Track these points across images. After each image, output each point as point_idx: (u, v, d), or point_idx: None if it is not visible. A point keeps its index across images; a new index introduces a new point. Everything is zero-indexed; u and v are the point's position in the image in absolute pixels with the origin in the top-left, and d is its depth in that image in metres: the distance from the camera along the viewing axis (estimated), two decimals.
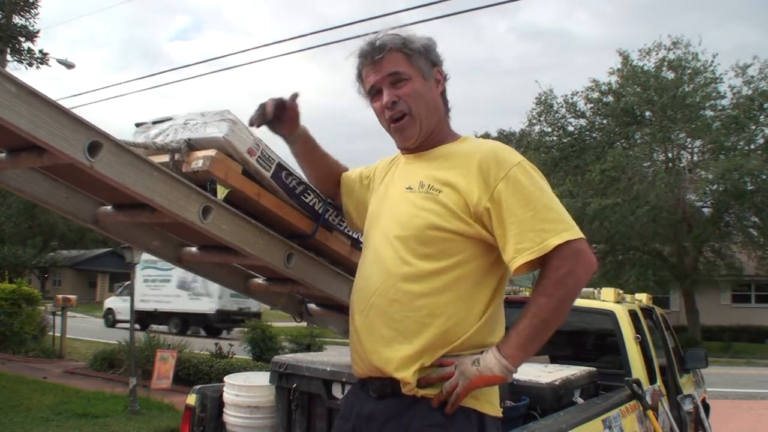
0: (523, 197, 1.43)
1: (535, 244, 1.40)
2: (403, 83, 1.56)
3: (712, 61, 19.48)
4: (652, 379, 3.31)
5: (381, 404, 1.50)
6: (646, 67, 20.12)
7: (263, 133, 1.88)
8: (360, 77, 1.65)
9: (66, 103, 1.46)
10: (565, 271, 1.40)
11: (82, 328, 17.69)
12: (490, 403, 1.49)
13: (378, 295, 1.52)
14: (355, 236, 2.23)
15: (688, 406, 3.68)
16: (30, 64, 14.41)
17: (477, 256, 1.48)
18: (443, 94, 1.66)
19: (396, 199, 1.60)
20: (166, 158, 1.79)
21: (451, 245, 1.46)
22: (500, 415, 1.52)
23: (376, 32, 1.61)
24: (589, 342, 3.96)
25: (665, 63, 19.88)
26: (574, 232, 1.43)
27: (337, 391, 2.34)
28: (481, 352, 1.44)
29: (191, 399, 2.75)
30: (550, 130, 21.94)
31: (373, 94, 1.63)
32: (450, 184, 1.49)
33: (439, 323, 1.44)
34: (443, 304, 1.45)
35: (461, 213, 1.46)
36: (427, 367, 1.45)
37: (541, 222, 1.41)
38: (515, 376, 2.71)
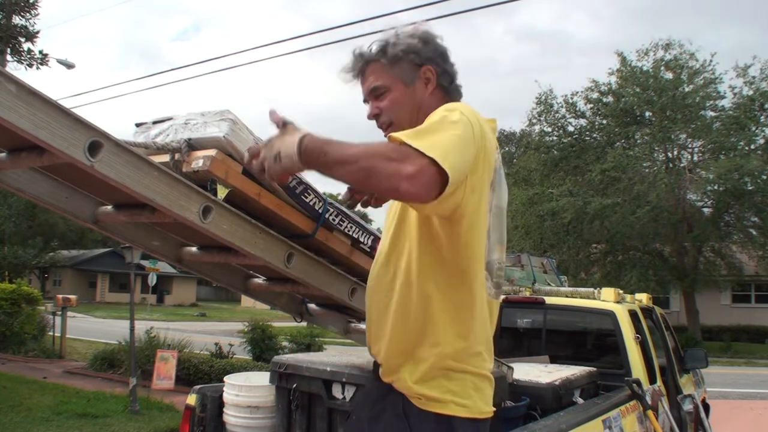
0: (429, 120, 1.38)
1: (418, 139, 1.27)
2: (384, 96, 1.59)
3: (711, 61, 19.53)
4: (652, 379, 3.31)
5: (374, 384, 1.61)
6: (644, 68, 20.13)
7: (264, 133, 1.88)
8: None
9: (66, 103, 1.46)
10: (397, 156, 1.24)
11: (83, 328, 17.69)
12: (462, 406, 1.44)
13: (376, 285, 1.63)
14: (356, 236, 2.23)
15: (688, 406, 3.68)
16: (30, 65, 14.40)
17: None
18: (442, 87, 1.61)
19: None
20: (166, 158, 1.79)
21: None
22: (478, 415, 1.46)
23: (354, 48, 1.62)
24: (589, 342, 3.96)
25: (662, 63, 19.89)
26: (432, 153, 1.24)
27: (337, 392, 2.34)
28: None
29: (191, 399, 2.76)
30: (550, 130, 21.95)
31: (366, 103, 1.67)
32: None
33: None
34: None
35: None
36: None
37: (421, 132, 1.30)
38: (515, 376, 2.72)
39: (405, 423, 1.45)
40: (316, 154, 1.28)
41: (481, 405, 1.47)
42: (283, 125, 1.34)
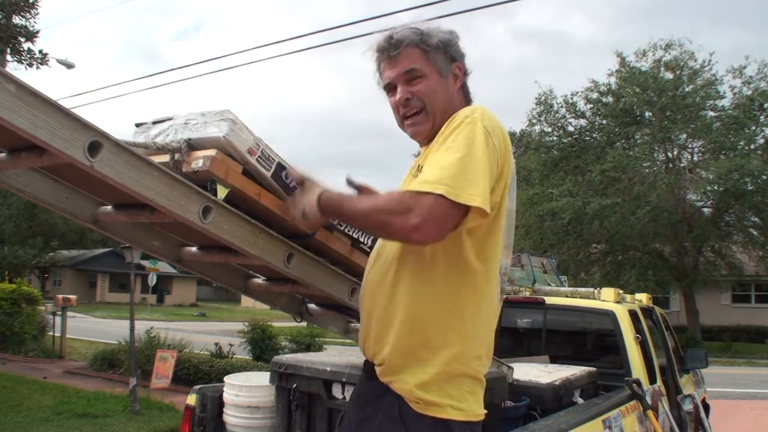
0: (445, 142, 1.43)
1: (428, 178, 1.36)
2: (418, 80, 1.56)
3: (710, 60, 19.53)
4: (652, 379, 3.31)
5: (365, 385, 1.60)
6: (643, 68, 20.12)
7: (264, 133, 1.88)
8: (379, 70, 1.65)
9: (66, 103, 1.46)
10: (399, 196, 1.38)
11: (83, 328, 17.68)
12: (459, 410, 1.44)
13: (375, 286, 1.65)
14: (356, 236, 2.23)
15: (688, 406, 3.68)
16: (30, 65, 14.40)
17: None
18: (463, 87, 1.65)
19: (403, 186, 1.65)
20: (166, 158, 1.79)
21: None
22: (473, 418, 1.47)
23: (392, 28, 1.59)
24: (589, 342, 3.96)
25: (662, 64, 19.89)
26: (445, 189, 1.31)
27: (337, 392, 2.34)
28: None
29: (191, 399, 2.76)
30: (550, 130, 21.94)
31: (389, 89, 1.63)
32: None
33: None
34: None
35: None
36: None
37: (438, 166, 1.37)
38: (515, 376, 2.72)
39: (402, 427, 1.43)
40: (334, 211, 1.48)
41: (476, 408, 1.48)
42: (301, 183, 1.54)
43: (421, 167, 1.50)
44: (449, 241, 1.41)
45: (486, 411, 1.51)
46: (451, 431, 1.42)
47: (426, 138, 1.61)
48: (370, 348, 1.57)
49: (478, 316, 1.47)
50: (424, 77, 1.56)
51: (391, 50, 1.57)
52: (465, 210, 1.35)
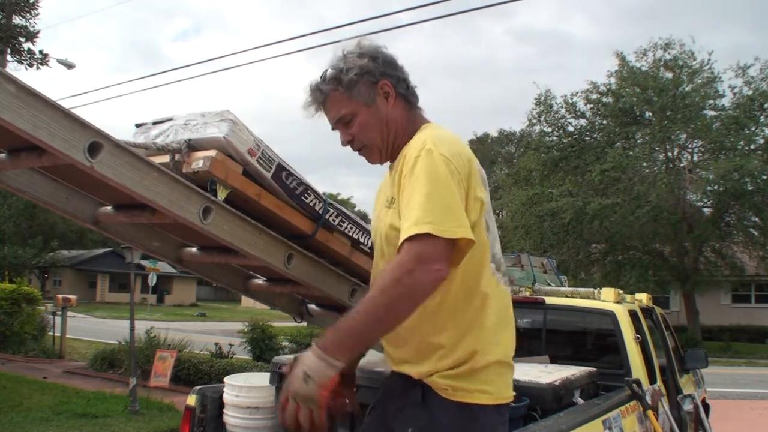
0: (407, 188, 1.45)
1: (403, 233, 1.38)
2: (351, 122, 1.62)
3: (709, 59, 19.52)
4: (652, 379, 3.31)
5: (393, 377, 1.64)
6: (643, 68, 20.12)
7: (264, 133, 1.88)
8: None
9: (66, 104, 1.46)
10: (397, 261, 1.36)
11: (83, 328, 17.68)
12: (486, 393, 1.49)
13: None
14: (356, 237, 2.23)
15: (688, 406, 3.68)
16: (30, 65, 14.39)
17: None
18: (401, 94, 1.65)
19: (379, 214, 1.68)
20: (166, 159, 1.79)
21: None
22: (502, 401, 1.52)
23: (311, 80, 1.64)
24: (589, 342, 3.96)
25: (662, 63, 19.88)
26: (430, 227, 1.34)
27: None
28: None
29: (191, 399, 2.75)
30: (550, 130, 21.93)
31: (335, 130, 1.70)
32: (394, 192, 1.56)
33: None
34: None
35: None
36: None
37: (410, 210, 1.39)
38: (515, 376, 2.71)
39: (427, 412, 1.48)
40: (347, 341, 1.32)
41: (504, 390, 1.54)
42: (290, 367, 1.34)
43: (393, 199, 1.55)
44: None
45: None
46: (476, 415, 1.47)
47: (383, 162, 1.69)
48: (389, 343, 1.63)
49: (485, 301, 1.53)
50: (354, 117, 1.62)
51: (317, 104, 1.65)
52: (453, 242, 1.38)
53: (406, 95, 1.67)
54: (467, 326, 1.50)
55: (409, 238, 1.34)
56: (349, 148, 1.67)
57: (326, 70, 1.62)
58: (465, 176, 1.48)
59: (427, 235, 1.33)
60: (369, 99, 1.61)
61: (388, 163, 1.71)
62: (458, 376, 1.48)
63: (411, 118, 1.67)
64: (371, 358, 2.20)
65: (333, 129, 1.69)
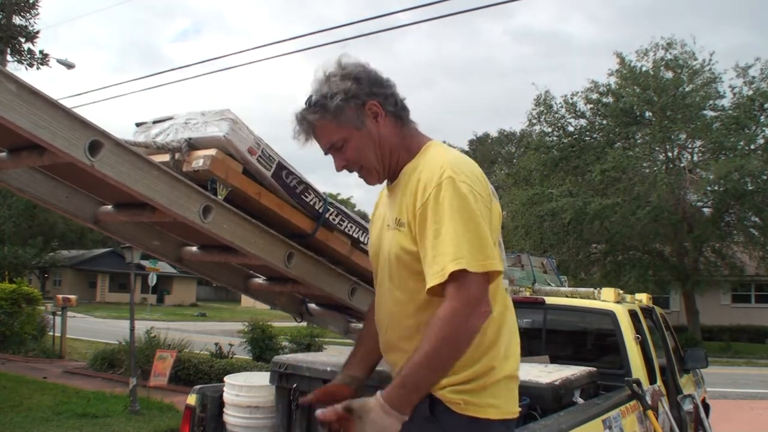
0: (433, 218, 1.43)
1: (438, 268, 1.39)
2: (343, 147, 1.60)
3: (710, 60, 19.52)
4: (652, 379, 3.31)
5: None
6: (644, 68, 20.13)
7: (264, 133, 1.88)
8: None
9: (66, 103, 1.46)
10: (450, 308, 1.37)
11: (83, 328, 17.68)
12: (496, 407, 1.48)
13: (389, 331, 1.63)
14: (356, 236, 2.23)
15: (688, 406, 3.68)
16: (30, 65, 14.40)
17: None
18: (392, 113, 1.62)
19: (381, 233, 1.67)
20: (166, 157, 1.79)
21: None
22: (510, 415, 1.51)
23: (295, 112, 1.61)
24: (589, 342, 3.96)
25: (663, 63, 19.89)
26: (467, 263, 1.37)
27: None
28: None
29: (191, 399, 2.75)
30: (550, 130, 21.93)
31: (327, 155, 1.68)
32: (404, 215, 1.54)
33: None
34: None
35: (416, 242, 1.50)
36: None
37: (441, 245, 1.40)
38: None
39: (437, 426, 1.46)
40: (414, 397, 1.37)
41: (512, 405, 1.53)
42: (350, 412, 1.37)
43: (400, 221, 1.54)
44: None
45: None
46: (485, 429, 1.46)
47: (381, 182, 1.68)
48: (399, 360, 1.56)
49: (499, 317, 1.54)
50: (346, 141, 1.59)
51: (307, 134, 1.61)
52: (488, 276, 1.41)
53: (396, 112, 1.63)
54: (488, 345, 1.49)
55: (453, 278, 1.36)
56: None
57: (310, 97, 1.58)
58: (487, 198, 1.49)
59: (468, 273, 1.36)
60: (358, 123, 1.57)
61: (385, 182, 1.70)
62: (471, 390, 1.46)
63: (405, 134, 1.64)
64: None
65: (326, 154, 1.66)
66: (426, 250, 1.43)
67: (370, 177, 1.65)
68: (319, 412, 1.41)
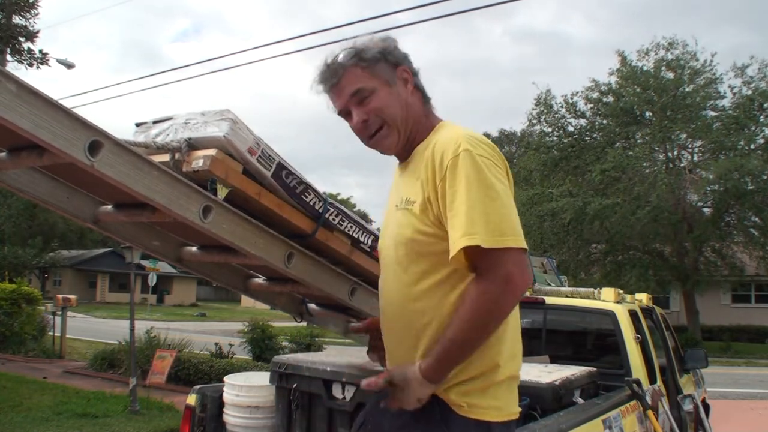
0: (454, 185, 1.40)
1: (480, 231, 1.35)
2: (369, 98, 1.54)
3: (712, 61, 19.53)
4: (652, 379, 3.31)
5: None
6: (645, 68, 20.13)
7: (264, 133, 1.88)
8: (330, 99, 1.62)
9: (66, 103, 1.46)
10: (483, 288, 1.38)
11: (83, 328, 17.68)
12: (498, 409, 1.47)
13: (393, 315, 1.60)
14: (356, 236, 2.23)
15: (688, 406, 3.68)
16: (30, 65, 14.41)
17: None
18: (418, 86, 1.62)
19: (391, 216, 1.63)
20: (166, 158, 1.79)
21: (440, 258, 1.45)
22: (511, 417, 1.50)
23: (326, 55, 1.58)
24: (589, 342, 3.96)
25: (664, 63, 19.89)
26: (511, 240, 1.37)
27: (337, 391, 2.33)
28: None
29: (191, 399, 2.75)
30: (550, 130, 21.94)
31: (344, 116, 1.61)
32: (415, 194, 1.50)
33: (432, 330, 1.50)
34: (438, 313, 1.49)
35: (431, 222, 1.46)
36: None
37: (473, 218, 1.36)
38: None
39: (442, 428, 1.45)
40: (447, 370, 1.43)
41: (513, 406, 1.52)
42: (391, 384, 1.47)
43: (410, 200, 1.51)
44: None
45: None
46: (489, 431, 1.45)
47: (397, 150, 1.61)
48: (404, 356, 1.55)
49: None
50: (373, 93, 1.54)
51: (332, 79, 1.55)
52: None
53: (422, 89, 1.63)
54: (494, 340, 1.46)
55: (484, 254, 1.35)
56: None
57: (343, 48, 1.56)
58: (504, 168, 1.48)
59: (508, 250, 1.36)
60: (390, 78, 1.55)
61: (396, 164, 1.66)
62: (475, 391, 1.45)
63: (427, 113, 1.63)
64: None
65: (340, 113, 1.60)
66: (458, 216, 1.38)
67: (388, 138, 1.57)
68: (363, 381, 1.51)
